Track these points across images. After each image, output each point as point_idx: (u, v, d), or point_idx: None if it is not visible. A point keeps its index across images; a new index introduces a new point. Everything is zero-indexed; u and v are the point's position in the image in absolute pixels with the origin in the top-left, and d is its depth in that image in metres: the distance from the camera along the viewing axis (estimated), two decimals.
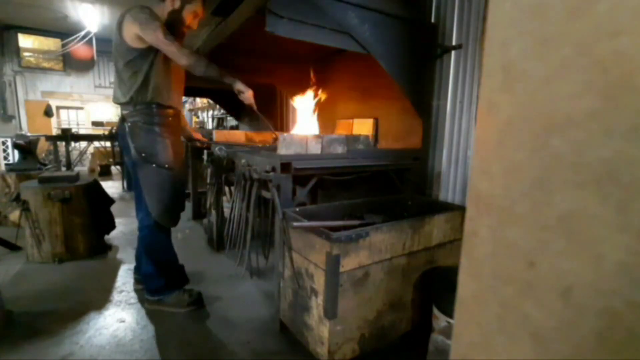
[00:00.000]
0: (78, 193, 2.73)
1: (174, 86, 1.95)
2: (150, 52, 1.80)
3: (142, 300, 2.10)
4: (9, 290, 2.18)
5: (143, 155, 1.86)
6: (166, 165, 1.90)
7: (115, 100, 1.92)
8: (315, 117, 2.55)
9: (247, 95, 1.99)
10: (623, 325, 0.29)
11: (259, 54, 2.88)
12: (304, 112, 2.51)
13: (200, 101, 8.05)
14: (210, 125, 7.93)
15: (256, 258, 1.95)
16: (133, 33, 1.73)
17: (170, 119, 1.95)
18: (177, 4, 1.84)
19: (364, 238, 1.41)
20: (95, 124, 9.69)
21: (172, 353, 1.67)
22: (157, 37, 1.71)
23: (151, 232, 1.97)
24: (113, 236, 3.21)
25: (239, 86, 1.97)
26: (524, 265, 0.36)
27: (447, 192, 2.23)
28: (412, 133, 2.31)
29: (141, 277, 2.17)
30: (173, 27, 1.87)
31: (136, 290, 2.23)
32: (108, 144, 6.68)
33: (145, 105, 1.84)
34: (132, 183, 5.45)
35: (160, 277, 2.00)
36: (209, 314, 2.00)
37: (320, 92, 2.59)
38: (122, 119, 1.89)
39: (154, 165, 1.87)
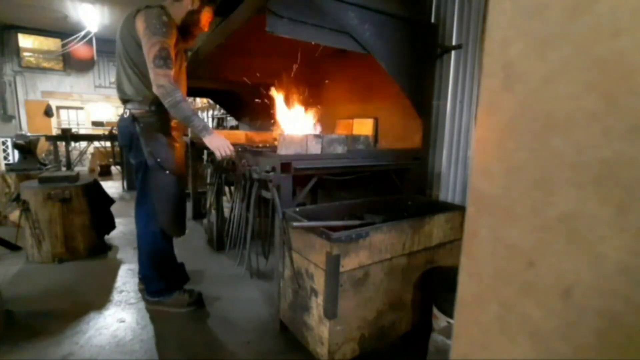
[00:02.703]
0: (78, 193, 2.74)
1: (182, 88, 1.91)
2: None
3: (143, 300, 2.10)
4: (9, 290, 2.18)
5: (158, 160, 1.80)
6: (177, 172, 1.89)
7: (123, 96, 1.83)
8: (308, 116, 2.52)
9: (219, 154, 1.80)
10: (623, 325, 0.29)
11: (259, 54, 2.87)
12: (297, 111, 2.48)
13: (200, 101, 8.04)
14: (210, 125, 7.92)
15: (256, 258, 1.95)
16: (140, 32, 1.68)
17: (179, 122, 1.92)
18: (196, 4, 1.82)
19: (364, 238, 1.41)
20: (95, 124, 9.70)
21: (172, 353, 1.67)
22: (148, 52, 1.64)
23: (155, 239, 1.93)
24: (113, 236, 3.21)
25: (209, 142, 1.77)
26: (524, 265, 0.36)
27: (447, 192, 2.23)
28: (412, 133, 2.31)
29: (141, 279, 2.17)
30: (188, 27, 1.86)
31: (140, 291, 2.22)
32: (108, 144, 6.68)
33: (162, 106, 1.76)
34: (133, 183, 5.49)
35: (160, 281, 2.00)
36: (209, 314, 2.00)
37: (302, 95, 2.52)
38: (133, 118, 1.79)
39: (167, 172, 1.83)
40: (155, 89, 1.66)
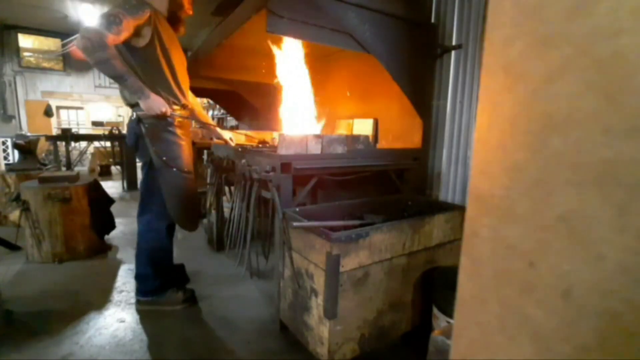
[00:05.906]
0: (78, 193, 2.73)
1: (183, 84, 1.93)
2: (151, 49, 1.74)
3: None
4: (9, 290, 2.18)
5: (164, 159, 1.84)
6: (186, 169, 1.91)
7: (125, 101, 1.89)
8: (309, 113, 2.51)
9: (154, 113, 1.74)
10: (623, 325, 0.29)
11: (259, 54, 2.87)
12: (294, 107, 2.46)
13: (201, 101, 8.05)
14: None
15: (256, 258, 1.95)
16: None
17: (184, 119, 1.94)
18: None
19: (364, 238, 1.41)
20: (95, 124, 9.72)
21: (172, 353, 1.67)
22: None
23: (159, 237, 1.96)
24: (113, 236, 3.21)
25: (144, 104, 1.70)
26: (524, 265, 0.36)
27: (447, 192, 2.23)
28: (412, 133, 2.31)
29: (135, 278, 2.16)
30: (175, 14, 1.90)
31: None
32: (108, 144, 6.68)
33: None
34: (133, 183, 5.49)
35: (156, 279, 2.00)
36: (209, 314, 2.00)
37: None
38: (138, 119, 1.84)
39: (174, 169, 1.86)
40: (78, 42, 1.52)
